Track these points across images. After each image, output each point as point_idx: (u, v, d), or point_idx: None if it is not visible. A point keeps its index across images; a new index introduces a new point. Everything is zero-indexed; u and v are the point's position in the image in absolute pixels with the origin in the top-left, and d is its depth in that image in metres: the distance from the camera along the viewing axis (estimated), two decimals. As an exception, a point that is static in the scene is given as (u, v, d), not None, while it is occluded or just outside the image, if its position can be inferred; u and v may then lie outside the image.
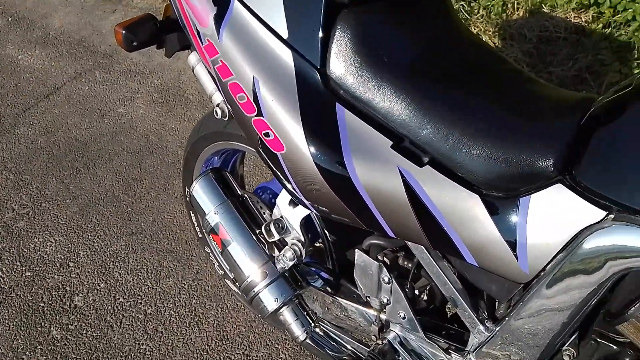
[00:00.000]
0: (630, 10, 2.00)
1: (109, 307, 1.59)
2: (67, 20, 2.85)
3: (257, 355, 1.46)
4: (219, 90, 0.92)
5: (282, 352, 1.46)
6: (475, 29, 2.22)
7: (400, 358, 0.97)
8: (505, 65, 0.80)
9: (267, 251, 1.02)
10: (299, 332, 0.99)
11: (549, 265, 0.68)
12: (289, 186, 0.87)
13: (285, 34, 0.79)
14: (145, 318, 1.56)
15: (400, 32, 0.80)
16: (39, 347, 1.50)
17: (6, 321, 1.56)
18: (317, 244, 1.08)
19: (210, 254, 1.46)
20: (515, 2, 2.22)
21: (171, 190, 1.93)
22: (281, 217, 1.00)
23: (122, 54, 2.56)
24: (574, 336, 0.78)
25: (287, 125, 0.80)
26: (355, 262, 0.94)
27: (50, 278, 1.67)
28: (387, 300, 0.92)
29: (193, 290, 1.62)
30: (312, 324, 1.01)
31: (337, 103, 0.77)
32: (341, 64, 0.77)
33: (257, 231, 1.03)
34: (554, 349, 0.77)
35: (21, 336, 1.52)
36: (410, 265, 0.90)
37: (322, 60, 0.78)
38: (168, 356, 1.47)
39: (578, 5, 2.12)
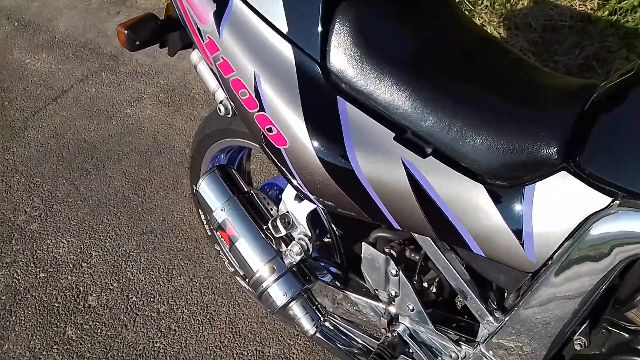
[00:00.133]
0: (637, -5, 1.97)
1: (123, 306, 1.61)
2: (72, 23, 2.87)
3: (269, 351, 1.47)
4: (222, 87, 0.92)
5: (294, 347, 1.47)
6: (479, 20, 2.20)
7: (410, 350, 0.97)
8: (507, 54, 0.79)
9: (274, 246, 1.03)
10: (308, 326, 1.00)
11: (556, 254, 0.68)
12: (293, 181, 0.87)
13: (284, 29, 0.79)
14: (158, 316, 1.57)
15: (400, 23, 0.79)
16: (55, 346, 1.52)
17: (22, 322, 1.58)
18: (325, 239, 1.08)
19: (220, 252, 1.47)
20: (520, -10, 2.20)
21: (180, 190, 1.94)
22: (287, 212, 1.01)
23: (127, 55, 2.58)
24: (584, 325, 0.77)
25: (289, 119, 0.80)
26: (362, 255, 0.94)
27: (64, 279, 1.69)
28: (395, 292, 0.92)
29: (204, 288, 1.63)
30: (322, 318, 1.01)
31: (338, 96, 0.77)
32: (341, 56, 0.77)
33: (264, 227, 1.04)
34: (564, 338, 0.76)
35: (37, 336, 1.55)
36: (417, 257, 0.90)
37: (322, 54, 0.77)
38: (182, 354, 1.48)
39: (584, -8, 2.09)
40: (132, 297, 1.63)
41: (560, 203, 0.66)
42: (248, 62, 0.83)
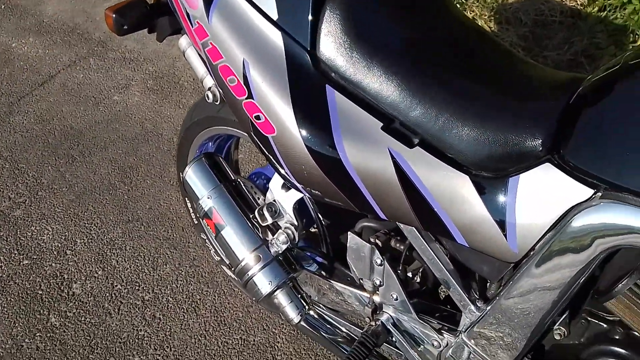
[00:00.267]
0: (626, -8, 1.99)
1: (107, 294, 1.60)
2: (61, 7, 2.82)
3: (254, 340, 1.47)
4: (210, 73, 0.92)
5: (279, 336, 1.47)
6: (470, 14, 2.21)
7: (394, 339, 0.98)
8: (495, 46, 0.80)
9: (260, 235, 1.03)
10: (293, 314, 1.00)
11: (538, 245, 0.69)
12: (281, 170, 0.87)
13: (274, 15, 0.79)
14: (143, 304, 1.57)
15: (390, 13, 0.79)
16: (38, 334, 1.51)
17: (5, 309, 1.57)
18: (312, 229, 1.08)
19: (206, 240, 1.47)
20: (512, -15, 2.21)
21: (167, 178, 1.93)
22: (274, 200, 1.01)
23: (116, 42, 2.55)
24: (564, 315, 0.79)
25: (277, 107, 0.80)
26: (347, 245, 0.94)
27: (48, 266, 1.67)
28: (380, 282, 0.93)
29: (190, 277, 1.62)
30: (307, 307, 1.02)
31: (327, 85, 0.77)
32: (331, 45, 0.77)
33: (251, 215, 1.04)
34: (544, 328, 0.78)
35: (20, 323, 1.53)
36: (402, 247, 0.91)
37: (312, 42, 0.77)
38: (166, 342, 1.48)
39: (574, -12, 2.11)
40: (116, 285, 1.62)
41: (543, 194, 0.67)
42: (237, 48, 0.83)
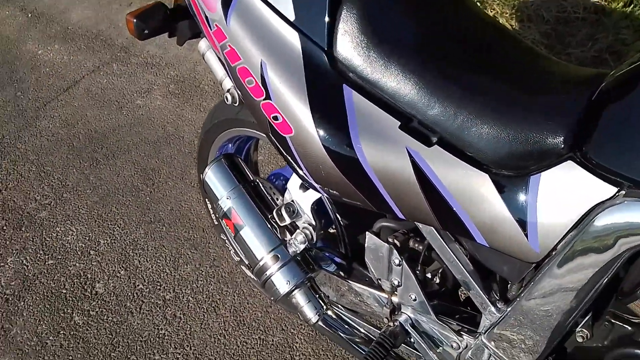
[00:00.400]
0: (652, -13, 1.94)
1: (129, 294, 1.62)
2: (85, 14, 2.89)
3: (273, 340, 1.48)
4: (229, 75, 0.93)
5: (297, 336, 1.48)
6: (491, 12, 2.18)
7: (412, 340, 0.97)
8: (514, 42, 0.78)
9: (279, 235, 1.03)
10: (311, 314, 1.00)
11: (560, 244, 0.67)
12: (299, 170, 0.87)
13: (292, 17, 0.79)
14: (164, 304, 1.59)
15: (407, 11, 0.79)
16: (61, 332, 1.54)
17: (31, 307, 1.60)
18: (330, 230, 1.08)
19: (226, 241, 1.48)
20: (533, -17, 2.17)
21: (188, 180, 1.95)
22: (292, 201, 1.01)
23: (138, 47, 2.59)
24: (587, 317, 0.77)
25: (295, 107, 0.80)
26: (366, 245, 0.94)
27: (72, 266, 1.71)
28: (398, 282, 0.92)
29: (210, 277, 1.64)
30: (324, 307, 1.02)
31: (344, 84, 0.77)
32: (348, 44, 0.77)
33: (269, 216, 1.04)
34: (566, 330, 0.76)
35: (45, 322, 1.57)
36: (420, 247, 0.90)
37: (329, 42, 0.77)
38: (186, 341, 1.50)
39: (598, -16, 2.07)
40: (138, 285, 1.64)
41: (565, 193, 0.65)
42: (255, 50, 0.83)
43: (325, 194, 0.88)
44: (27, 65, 2.58)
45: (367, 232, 0.93)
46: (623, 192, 0.61)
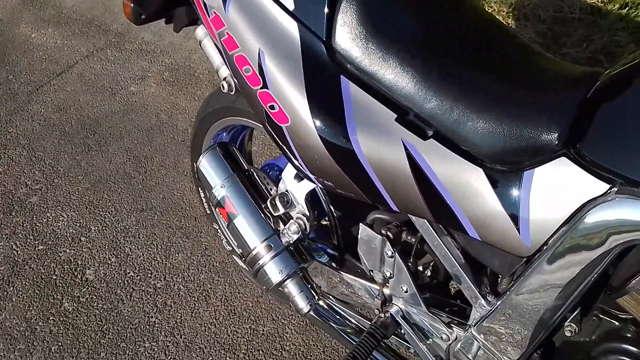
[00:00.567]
0: (648, -11, 1.95)
1: (120, 281, 1.62)
2: (80, -2, 2.85)
3: (263, 330, 1.48)
4: (226, 63, 0.92)
5: (288, 327, 1.48)
6: (488, 9, 2.19)
7: (402, 331, 0.98)
8: (511, 39, 0.79)
9: (272, 225, 1.03)
10: (302, 304, 1.01)
11: (552, 239, 0.68)
12: (294, 160, 0.87)
13: (291, 6, 0.79)
14: (154, 292, 1.59)
15: (407, 5, 0.79)
16: (51, 317, 1.54)
17: (20, 293, 1.60)
18: (323, 222, 1.09)
19: (218, 230, 1.48)
20: (531, -19, 2.18)
21: (181, 168, 1.94)
22: (286, 191, 1.01)
23: (133, 33, 2.57)
24: (576, 312, 0.78)
25: (291, 97, 0.80)
26: (359, 236, 0.94)
27: (63, 252, 1.70)
28: (390, 274, 0.93)
29: (202, 266, 1.64)
30: (316, 297, 1.02)
31: (342, 75, 0.77)
32: (347, 35, 0.77)
33: (263, 205, 1.04)
34: (555, 324, 0.77)
35: (34, 307, 1.56)
36: (413, 239, 0.91)
37: (328, 32, 0.77)
38: (177, 329, 1.50)
39: (595, -15, 2.08)
40: (129, 272, 1.64)
41: (558, 189, 0.66)
42: (253, 38, 0.83)
43: (320, 185, 0.89)
44: (19, 49, 2.55)
45: (360, 224, 0.94)
46: (615, 189, 0.61)
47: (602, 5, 2.06)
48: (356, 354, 0.90)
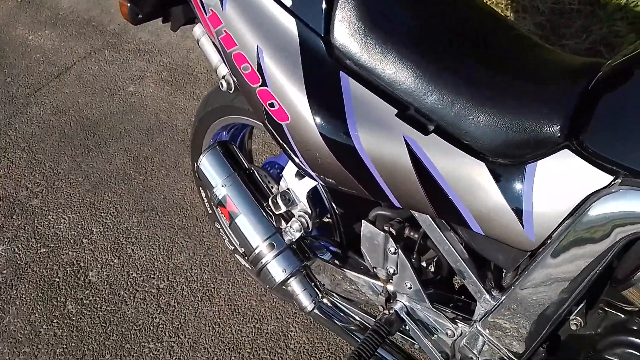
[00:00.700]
0: (647, -21, 1.94)
1: (123, 282, 1.62)
2: (76, 0, 2.84)
3: (267, 329, 1.48)
4: (224, 61, 0.92)
5: (292, 325, 1.48)
6: (487, 1, 2.18)
7: (407, 327, 0.98)
8: (511, 31, 0.78)
9: (274, 223, 1.03)
10: (306, 302, 1.00)
11: (556, 233, 0.68)
12: (295, 158, 0.87)
13: (288, 2, 0.79)
14: (158, 292, 1.59)
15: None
16: (55, 320, 1.54)
17: (23, 296, 1.60)
18: (325, 219, 1.08)
19: (221, 230, 1.47)
20: (529, -28, 2.16)
21: (181, 168, 1.94)
22: (288, 189, 1.01)
23: (130, 33, 2.56)
24: (581, 305, 0.78)
25: (291, 94, 0.79)
26: (361, 233, 0.94)
27: (65, 254, 1.70)
28: (394, 270, 0.93)
29: (204, 266, 1.64)
30: (320, 295, 1.02)
31: (341, 71, 0.76)
32: (345, 31, 0.76)
33: (265, 204, 1.04)
34: (560, 318, 0.77)
35: (38, 310, 1.56)
36: (416, 235, 0.90)
37: (326, 28, 0.77)
38: (181, 329, 1.50)
39: (593, -25, 2.06)
40: (132, 274, 1.64)
41: (561, 181, 0.66)
42: (251, 36, 0.82)
43: (321, 182, 0.88)
44: (17, 51, 2.54)
45: (363, 221, 0.93)
46: (619, 180, 0.61)
47: (601, -5, 2.05)
48: (361, 352, 0.89)
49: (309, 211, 0.99)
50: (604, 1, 2.03)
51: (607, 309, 0.79)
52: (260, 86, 0.83)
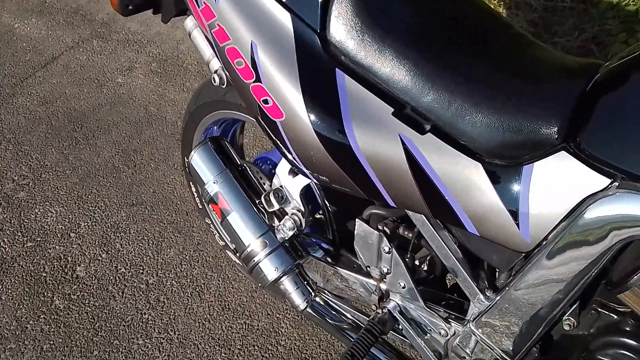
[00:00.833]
0: (640, -23, 1.94)
1: (111, 277, 1.60)
2: (63, -12, 2.78)
3: (258, 325, 1.47)
4: (217, 55, 0.90)
5: (283, 321, 1.47)
6: (480, -3, 2.17)
7: (400, 327, 0.97)
8: (510, 30, 0.77)
9: (267, 221, 1.02)
10: (299, 301, 0.99)
11: (551, 234, 0.68)
12: (288, 155, 0.86)
13: (284, -4, 0.77)
14: (147, 288, 1.57)
15: (403, -5, 0.77)
16: (42, 316, 1.51)
17: (9, 291, 1.57)
18: (318, 215, 1.07)
19: (211, 225, 1.46)
20: (522, -31, 2.16)
21: (171, 162, 1.91)
22: (281, 186, 0.99)
23: (119, 23, 2.52)
24: (574, 306, 0.78)
25: (286, 91, 0.78)
26: (355, 232, 0.93)
27: (52, 248, 1.67)
28: (387, 269, 0.92)
29: (194, 261, 1.62)
30: (313, 293, 1.01)
31: (337, 68, 0.75)
32: (342, 27, 0.75)
33: (257, 201, 1.03)
34: (554, 319, 0.77)
35: (24, 306, 1.54)
36: (410, 234, 0.90)
37: (322, 24, 0.75)
38: (170, 325, 1.48)
39: (586, -27, 2.06)
40: (120, 269, 1.62)
41: (558, 183, 0.65)
42: (245, 30, 0.81)
43: (315, 180, 0.87)
44: (2, 40, 2.48)
45: (357, 219, 0.92)
46: (616, 183, 0.61)
47: (593, -7, 2.05)
48: (354, 352, 0.89)
49: (302, 209, 0.98)
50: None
51: (600, 309, 0.79)
52: (254, 82, 0.81)
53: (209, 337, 1.46)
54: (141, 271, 1.61)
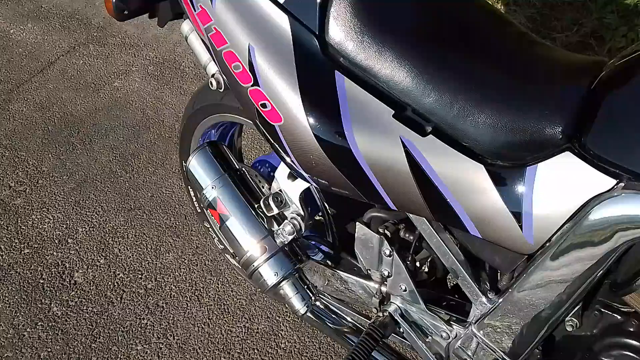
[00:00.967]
0: (637, -27, 1.94)
1: (109, 283, 1.58)
2: (58, -8, 2.77)
3: (258, 328, 1.46)
4: (214, 59, 0.89)
5: (282, 324, 1.46)
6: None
7: (401, 330, 0.96)
8: (511, 29, 0.76)
9: (266, 225, 1.01)
10: (299, 305, 0.99)
11: (555, 236, 0.67)
12: (287, 159, 0.85)
13: (281, -2, 0.76)
14: (145, 293, 1.56)
15: (402, -5, 0.76)
16: (39, 323, 1.50)
17: (6, 298, 1.55)
18: (317, 218, 1.06)
19: (210, 229, 1.45)
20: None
21: (169, 165, 1.90)
22: (280, 190, 0.98)
23: (115, 27, 2.50)
24: (577, 306, 0.77)
25: (284, 95, 0.77)
26: (356, 235, 0.92)
27: (49, 255, 1.66)
28: (388, 272, 0.91)
29: (193, 265, 1.61)
30: (313, 298, 1.00)
31: (336, 71, 0.74)
32: (340, 29, 0.74)
33: (256, 205, 1.02)
34: (557, 320, 0.76)
35: (22, 313, 1.52)
36: (411, 237, 0.89)
37: (321, 26, 0.74)
38: (170, 330, 1.47)
39: (583, -30, 2.06)
40: (119, 274, 1.60)
41: (562, 184, 0.65)
42: (242, 33, 0.80)
43: (314, 184, 0.86)
44: (-3, 45, 2.47)
45: (357, 223, 0.92)
46: (622, 184, 0.60)
47: (591, -10, 2.05)
48: (355, 356, 0.88)
49: (302, 213, 0.97)
50: (594, -5, 2.03)
51: (603, 310, 0.78)
52: (252, 86, 0.80)
53: (208, 341, 1.45)
54: (140, 276, 1.60)
